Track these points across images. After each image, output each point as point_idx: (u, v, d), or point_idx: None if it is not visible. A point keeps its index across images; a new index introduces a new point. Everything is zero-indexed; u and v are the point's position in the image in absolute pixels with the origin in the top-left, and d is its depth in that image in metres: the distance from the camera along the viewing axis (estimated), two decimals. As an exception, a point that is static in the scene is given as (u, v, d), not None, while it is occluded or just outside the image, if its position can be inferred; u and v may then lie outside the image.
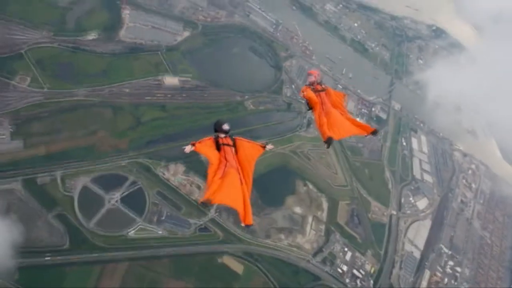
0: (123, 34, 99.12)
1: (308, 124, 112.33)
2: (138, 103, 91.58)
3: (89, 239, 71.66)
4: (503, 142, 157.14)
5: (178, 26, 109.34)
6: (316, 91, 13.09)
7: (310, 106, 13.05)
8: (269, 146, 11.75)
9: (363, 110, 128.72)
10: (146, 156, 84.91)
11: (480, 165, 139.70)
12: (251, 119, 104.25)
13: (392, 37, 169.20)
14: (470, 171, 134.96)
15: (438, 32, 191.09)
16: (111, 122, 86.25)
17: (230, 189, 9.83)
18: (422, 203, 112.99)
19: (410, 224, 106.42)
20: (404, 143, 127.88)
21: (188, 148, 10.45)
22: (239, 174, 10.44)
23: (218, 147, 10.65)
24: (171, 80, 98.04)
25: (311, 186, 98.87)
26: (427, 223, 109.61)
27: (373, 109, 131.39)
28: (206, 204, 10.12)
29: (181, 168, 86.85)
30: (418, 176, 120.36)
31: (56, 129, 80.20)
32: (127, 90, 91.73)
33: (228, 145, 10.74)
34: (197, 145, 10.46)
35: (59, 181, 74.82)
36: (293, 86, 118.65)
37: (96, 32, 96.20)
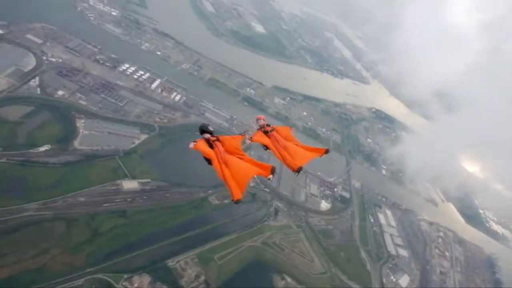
0: (78, 142, 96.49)
1: (276, 213, 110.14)
2: (95, 212, 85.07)
3: None
4: (462, 207, 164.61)
5: (135, 129, 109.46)
6: (266, 132, 15.25)
7: (266, 147, 15.06)
8: (246, 138, 14.96)
9: (326, 191, 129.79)
10: (106, 270, 75.91)
11: (447, 232, 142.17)
12: (217, 215, 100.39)
13: (340, 121, 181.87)
14: (440, 240, 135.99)
15: (378, 113, 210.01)
16: (65, 237, 78.04)
17: (240, 169, 12.73)
18: (404, 281, 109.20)
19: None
20: (372, 220, 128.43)
21: (192, 145, 13.60)
22: (232, 155, 13.39)
23: (210, 145, 13.59)
24: (130, 184, 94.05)
25: (289, 279, 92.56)
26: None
27: (335, 189, 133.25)
28: (238, 202, 11.99)
29: (146, 279, 78.16)
30: (393, 251, 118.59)
31: (1, 253, 70.63)
32: (82, 199, 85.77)
33: (215, 140, 13.72)
34: (197, 145, 13.59)
35: (2, 314, 63.46)
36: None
37: (49, 143, 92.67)
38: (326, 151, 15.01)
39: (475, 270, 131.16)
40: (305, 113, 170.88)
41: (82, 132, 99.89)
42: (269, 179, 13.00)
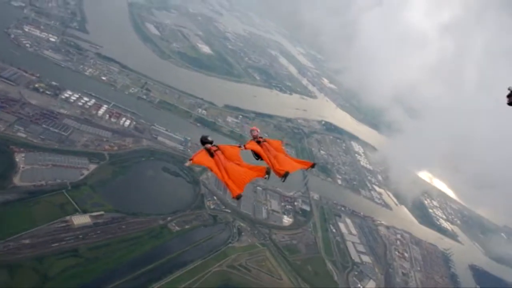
0: (18, 179, 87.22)
1: (239, 233, 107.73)
2: (43, 254, 76.71)
3: None
4: (413, 209, 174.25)
5: (83, 160, 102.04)
6: (259, 142, 15.72)
7: (257, 156, 15.57)
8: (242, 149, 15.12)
9: (287, 206, 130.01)
10: (60, 319, 68.59)
11: (404, 234, 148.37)
12: (179, 242, 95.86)
13: (293, 136, 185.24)
14: (398, 242, 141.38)
15: (327, 125, 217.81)
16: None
17: (238, 174, 13.21)
18: (370, 287, 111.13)
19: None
20: (334, 230, 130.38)
21: (188, 163, 13.34)
22: (232, 162, 13.74)
23: (211, 154, 13.82)
24: (81, 219, 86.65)
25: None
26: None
27: (295, 203, 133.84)
28: (239, 197, 12.49)
29: (106, 321, 71.73)
30: (357, 259, 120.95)
31: None
32: (27, 242, 77.24)
33: (217, 150, 13.98)
34: (194, 159, 13.37)
35: None
36: (214, 198, 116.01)
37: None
38: (313, 165, 15.58)
39: (433, 268, 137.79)
40: (258, 130, 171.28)
41: (23, 167, 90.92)
42: (265, 178, 13.95)
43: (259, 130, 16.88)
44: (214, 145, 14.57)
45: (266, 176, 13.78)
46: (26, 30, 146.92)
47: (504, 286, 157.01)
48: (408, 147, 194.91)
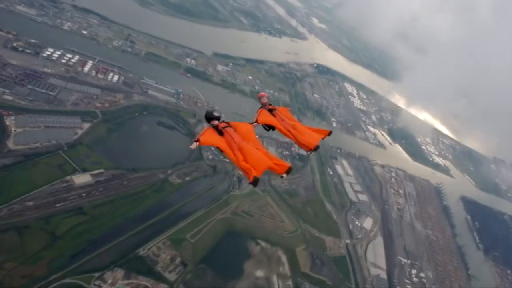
0: (12, 143, 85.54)
1: (239, 181, 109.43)
2: (49, 214, 77.56)
3: None
4: (407, 146, 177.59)
5: (75, 119, 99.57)
6: (270, 110, 14.49)
7: (269, 127, 14.11)
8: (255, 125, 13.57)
9: (284, 152, 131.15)
10: (74, 273, 70.85)
11: (398, 171, 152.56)
12: (181, 194, 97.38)
13: (285, 81, 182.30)
14: (393, 180, 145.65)
15: (320, 68, 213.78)
16: (19, 248, 70.52)
17: (255, 158, 11.30)
18: (368, 223, 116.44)
19: (366, 247, 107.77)
20: (331, 172, 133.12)
21: (194, 145, 11.74)
22: (249, 143, 11.88)
23: (220, 132, 12.16)
24: (82, 178, 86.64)
25: (263, 244, 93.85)
26: (379, 240, 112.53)
27: (292, 148, 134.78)
28: (256, 182, 10.57)
29: (119, 273, 74.35)
30: (354, 198, 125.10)
31: None
32: (31, 203, 77.68)
33: (226, 126, 12.33)
34: (200, 139, 11.59)
35: None
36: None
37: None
38: (329, 133, 14.45)
39: (426, 201, 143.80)
40: (250, 77, 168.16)
41: (14, 130, 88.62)
42: (281, 177, 11.81)
43: (268, 97, 15.28)
44: (223, 121, 12.77)
45: (284, 175, 11.70)
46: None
47: (492, 214, 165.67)
48: (407, 85, 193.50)
